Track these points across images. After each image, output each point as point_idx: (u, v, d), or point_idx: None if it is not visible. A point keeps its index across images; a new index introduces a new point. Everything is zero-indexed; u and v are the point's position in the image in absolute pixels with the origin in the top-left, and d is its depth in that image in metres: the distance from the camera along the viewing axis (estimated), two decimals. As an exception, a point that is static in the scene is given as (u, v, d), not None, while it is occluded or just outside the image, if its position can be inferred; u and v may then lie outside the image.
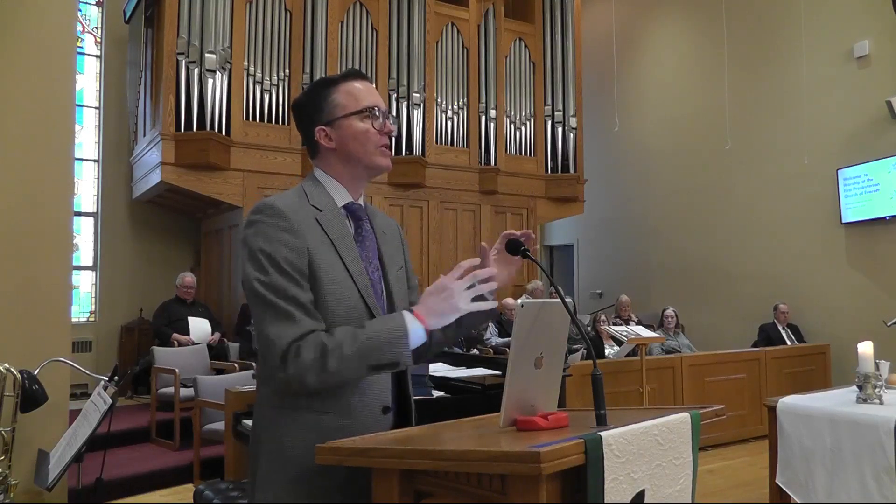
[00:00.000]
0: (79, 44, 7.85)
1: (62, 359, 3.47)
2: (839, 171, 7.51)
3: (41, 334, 3.55)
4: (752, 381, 6.40)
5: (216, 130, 6.63)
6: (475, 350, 6.69)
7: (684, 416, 1.36)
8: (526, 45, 9.18)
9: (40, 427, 3.44)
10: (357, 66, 7.63)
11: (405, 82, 7.92)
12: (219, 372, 5.69)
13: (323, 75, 7.27)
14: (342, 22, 7.71)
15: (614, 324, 6.87)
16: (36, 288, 3.58)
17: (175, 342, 6.22)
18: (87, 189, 8.33)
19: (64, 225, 3.80)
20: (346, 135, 1.54)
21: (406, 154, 7.87)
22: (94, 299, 8.24)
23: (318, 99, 1.57)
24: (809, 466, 3.18)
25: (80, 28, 8.01)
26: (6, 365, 3.22)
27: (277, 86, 7.23)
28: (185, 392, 5.27)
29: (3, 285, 3.48)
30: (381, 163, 1.58)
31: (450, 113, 8.40)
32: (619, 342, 6.34)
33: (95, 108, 8.46)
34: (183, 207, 7.98)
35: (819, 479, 3.13)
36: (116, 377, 3.26)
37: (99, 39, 8.57)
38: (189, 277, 6.76)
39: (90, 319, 8.19)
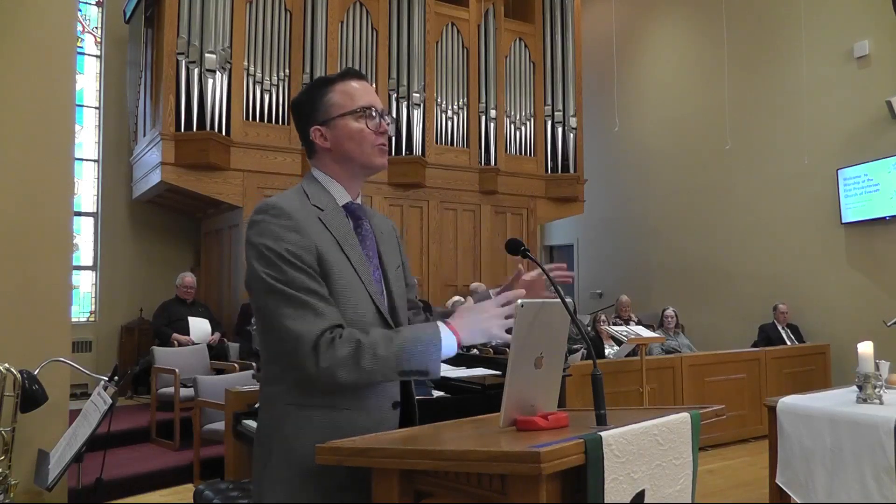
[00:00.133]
0: (79, 44, 7.85)
1: (62, 359, 3.47)
2: (839, 171, 7.51)
3: (41, 334, 3.54)
4: (752, 381, 6.40)
5: (216, 130, 6.63)
6: (475, 350, 6.69)
7: (684, 416, 1.36)
8: (526, 45, 9.18)
9: (40, 427, 3.44)
10: (357, 66, 7.64)
11: (405, 82, 7.93)
12: (219, 372, 5.69)
13: (322, 75, 7.30)
14: (342, 22, 7.71)
15: (614, 324, 6.87)
16: (36, 288, 3.57)
17: (175, 342, 6.22)
18: (87, 189, 8.33)
19: (64, 225, 3.80)
20: (342, 134, 1.55)
21: (406, 154, 7.87)
22: (94, 299, 8.24)
23: (315, 98, 1.58)
24: (809, 466, 3.18)
25: (80, 28, 8.01)
26: (6, 365, 3.22)
27: (277, 86, 7.23)
28: (185, 392, 5.27)
29: (3, 285, 3.47)
30: (376, 162, 1.58)
31: (450, 113, 8.41)
32: (619, 342, 6.34)
33: (95, 108, 8.46)
34: (183, 207, 7.98)
35: (819, 479, 3.13)
36: (116, 377, 3.26)
37: (99, 39, 8.57)
38: (189, 277, 6.76)
39: (90, 319, 8.19)
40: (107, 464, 3.31)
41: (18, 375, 3.22)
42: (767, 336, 7.52)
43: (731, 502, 4.43)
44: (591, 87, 10.15)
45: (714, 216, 9.09)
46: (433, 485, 1.26)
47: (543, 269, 1.58)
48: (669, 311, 7.56)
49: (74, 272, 6.21)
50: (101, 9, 8.62)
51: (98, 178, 8.34)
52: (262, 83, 7.11)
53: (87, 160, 8.34)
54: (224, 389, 3.99)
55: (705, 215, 9.21)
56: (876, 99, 7.25)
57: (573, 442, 1.13)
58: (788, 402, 3.36)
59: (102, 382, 3.21)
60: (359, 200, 1.63)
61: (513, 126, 8.93)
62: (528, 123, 9.06)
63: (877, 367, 3.24)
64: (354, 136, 1.54)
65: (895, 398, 3.20)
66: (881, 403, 3.13)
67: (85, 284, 8.22)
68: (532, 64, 9.18)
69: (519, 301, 1.33)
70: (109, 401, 3.01)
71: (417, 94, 7.96)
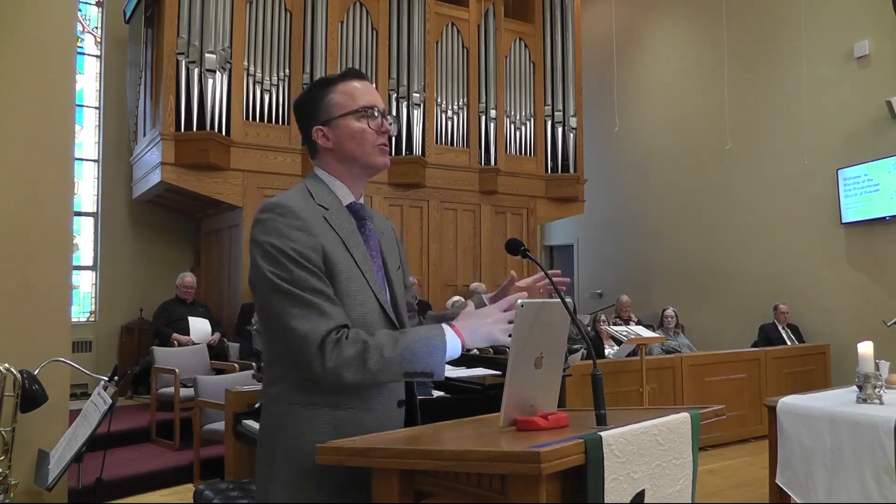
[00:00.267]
0: (79, 44, 7.86)
1: (62, 359, 3.47)
2: (839, 171, 7.51)
3: (41, 334, 3.54)
4: (752, 381, 6.40)
5: (216, 130, 6.63)
6: (475, 350, 6.69)
7: (684, 416, 1.36)
8: (526, 45, 9.18)
9: (40, 427, 3.44)
10: (357, 66, 7.62)
11: (405, 82, 7.93)
12: (219, 372, 5.69)
13: (323, 75, 7.30)
14: (342, 22, 7.71)
15: (614, 324, 6.87)
16: (36, 288, 3.57)
17: (175, 342, 6.22)
18: (87, 189, 8.33)
19: (64, 225, 3.80)
20: (343, 134, 1.55)
21: (406, 154, 7.87)
22: (94, 299, 8.24)
23: (317, 98, 1.58)
24: (809, 466, 3.18)
25: (80, 28, 8.01)
26: (6, 365, 3.22)
27: (277, 86, 7.23)
28: (185, 392, 5.27)
29: (3, 285, 3.47)
30: (377, 162, 1.58)
31: (450, 113, 8.41)
32: (619, 342, 6.34)
33: (95, 108, 8.46)
34: (183, 207, 7.98)
35: (819, 479, 3.13)
36: (116, 377, 3.26)
37: (99, 39, 8.57)
38: (189, 277, 6.76)
39: (90, 319, 8.19)
40: (107, 464, 3.31)
41: (18, 375, 3.22)
42: (768, 336, 7.52)
43: (731, 502, 4.43)
44: (591, 87, 10.15)
45: (714, 216, 9.09)
46: (433, 485, 1.26)
47: (543, 269, 1.59)
48: (669, 311, 7.56)
49: (74, 272, 6.22)
50: (101, 9, 8.62)
51: (98, 178, 8.34)
52: (262, 83, 7.11)
53: (87, 160, 8.34)
54: (224, 389, 3.99)
55: (705, 215, 9.21)
56: (876, 99, 7.25)
57: (573, 442, 1.13)
58: (788, 402, 3.36)
59: (102, 382, 3.21)
60: (361, 200, 1.63)
61: (513, 126, 8.93)
62: (528, 123, 9.06)
63: (877, 367, 3.24)
64: (356, 135, 1.55)
65: (895, 398, 3.20)
66: (881, 403, 3.13)
67: (85, 284, 8.22)
68: (532, 64, 9.18)
69: (519, 301, 1.33)
70: (109, 401, 3.01)
71: (417, 94, 7.96)
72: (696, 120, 9.38)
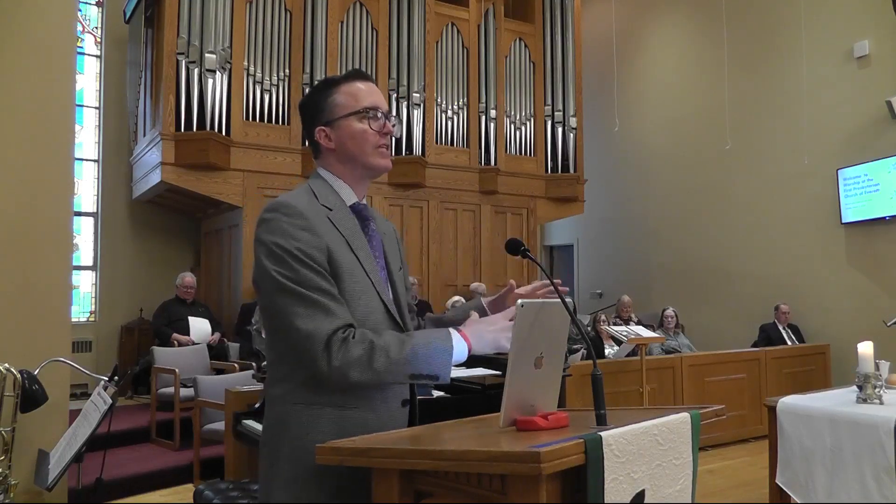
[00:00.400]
0: (79, 44, 7.86)
1: (62, 359, 3.47)
2: (839, 171, 7.51)
3: (41, 334, 3.55)
4: (752, 381, 6.40)
5: (216, 130, 6.63)
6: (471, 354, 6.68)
7: (684, 416, 1.36)
8: (526, 45, 9.18)
9: (40, 427, 3.44)
10: (357, 66, 7.64)
11: (405, 82, 7.93)
12: (219, 372, 5.69)
13: (323, 75, 7.31)
14: (342, 22, 7.71)
15: (614, 324, 6.87)
16: (36, 288, 3.57)
17: (175, 342, 6.22)
18: (87, 189, 8.33)
19: (64, 225, 3.80)
20: (345, 135, 1.56)
21: (406, 154, 7.87)
22: (94, 299, 8.24)
23: (320, 99, 1.59)
24: (809, 466, 3.18)
25: (80, 28, 8.01)
26: (6, 365, 3.22)
27: (277, 86, 7.23)
28: (185, 392, 5.27)
29: (3, 285, 3.47)
30: (379, 163, 1.59)
31: (450, 113, 8.41)
32: (619, 342, 6.34)
33: (95, 108, 8.46)
34: (183, 207, 7.98)
35: (819, 479, 3.13)
36: (116, 377, 3.26)
37: (99, 39, 8.57)
38: (189, 277, 6.76)
39: (90, 319, 8.19)
40: (107, 464, 3.31)
41: (18, 375, 3.22)
42: (768, 336, 7.52)
43: (731, 502, 4.43)
44: (591, 87, 10.15)
45: (714, 216, 9.09)
46: (433, 485, 1.26)
47: (543, 270, 1.59)
48: (669, 311, 7.56)
49: (74, 272, 6.22)
50: (101, 9, 8.62)
51: (98, 178, 8.34)
52: (262, 83, 7.11)
53: (87, 160, 8.34)
54: (224, 389, 3.99)
55: (705, 215, 9.21)
56: (876, 99, 7.25)
57: (573, 442, 1.13)
58: (788, 402, 3.36)
59: (102, 382, 3.21)
60: (364, 201, 1.64)
61: (513, 126, 8.93)
62: (528, 123, 9.06)
63: (877, 367, 3.24)
64: (356, 136, 1.55)
65: (895, 398, 3.20)
66: (881, 403, 3.13)
67: (85, 284, 8.22)
68: (532, 64, 9.18)
69: (519, 301, 1.34)
70: (109, 401, 3.01)
71: (417, 94, 7.96)
72: (696, 120, 9.38)
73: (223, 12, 6.76)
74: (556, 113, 9.11)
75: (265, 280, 1.42)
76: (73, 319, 6.88)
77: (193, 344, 6.23)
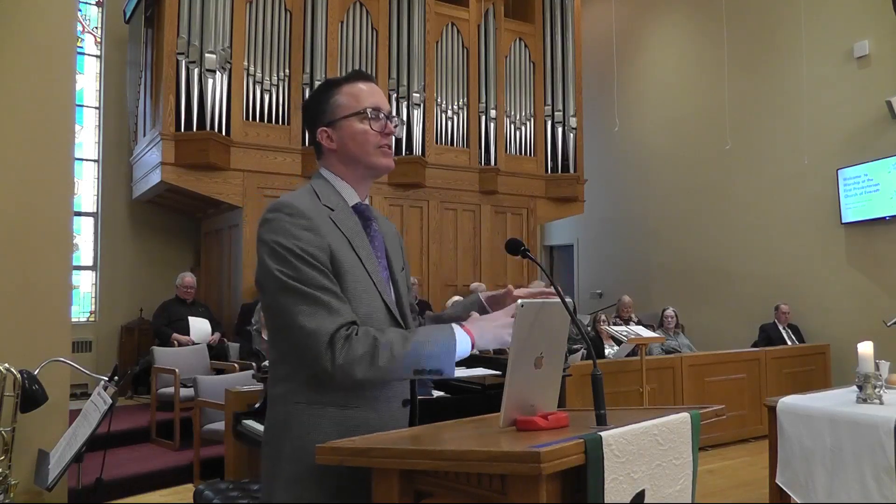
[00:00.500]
0: (79, 44, 7.86)
1: (62, 359, 3.47)
2: (839, 171, 7.51)
3: (41, 334, 3.54)
4: (752, 381, 6.40)
5: (216, 130, 6.63)
6: (476, 350, 6.68)
7: (684, 416, 1.36)
8: (526, 45, 9.18)
9: (40, 427, 3.44)
10: (357, 66, 7.64)
11: (405, 82, 7.93)
12: (219, 372, 5.69)
13: (323, 75, 7.32)
14: (342, 22, 7.71)
15: (614, 324, 6.87)
16: (36, 288, 3.57)
17: (175, 342, 6.22)
18: (87, 189, 8.33)
19: (64, 225, 3.80)
20: (346, 135, 1.57)
21: (406, 154, 7.87)
22: (94, 299, 8.24)
23: (322, 100, 1.60)
24: (809, 466, 3.18)
25: (80, 28, 8.01)
26: (6, 365, 3.22)
27: (277, 86, 7.23)
28: (185, 392, 5.27)
29: (3, 285, 3.47)
30: (380, 163, 1.59)
31: (450, 113, 8.41)
32: (619, 342, 6.34)
33: (95, 108, 8.46)
34: (183, 207, 7.98)
35: (819, 479, 3.13)
36: (116, 377, 3.26)
37: (99, 39, 8.57)
38: (189, 277, 6.76)
39: (90, 319, 8.19)
40: (107, 464, 3.31)
41: (18, 375, 3.22)
42: (768, 336, 7.52)
43: (731, 502, 4.43)
44: (591, 87, 10.15)
45: (714, 216, 9.09)
46: (433, 485, 1.26)
47: (543, 270, 1.60)
48: (669, 311, 7.56)
49: (74, 272, 6.21)
50: (101, 9, 8.63)
51: (98, 178, 8.34)
52: (262, 83, 7.11)
53: (87, 160, 8.34)
54: (224, 389, 3.99)
55: (705, 215, 9.21)
56: (876, 99, 7.25)
57: (573, 442, 1.13)
58: (788, 402, 3.36)
59: (102, 382, 3.21)
60: (367, 201, 1.65)
61: (513, 126, 8.93)
62: (528, 123, 9.06)
63: (877, 367, 3.24)
64: (357, 136, 1.56)
65: (895, 398, 3.20)
66: (881, 403, 3.13)
67: (85, 284, 8.22)
68: (532, 64, 9.18)
69: (519, 301, 1.34)
70: (109, 401, 3.01)
71: (417, 94, 7.96)
72: (696, 120, 9.38)
73: (223, 12, 6.76)
74: (556, 113, 9.11)
75: (268, 279, 1.42)
76: (73, 319, 6.88)
77: (193, 344, 6.23)
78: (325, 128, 1.58)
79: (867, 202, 7.26)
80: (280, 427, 1.48)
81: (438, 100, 8.30)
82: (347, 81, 1.60)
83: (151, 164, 6.90)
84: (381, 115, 1.57)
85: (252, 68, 7.05)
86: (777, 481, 3.34)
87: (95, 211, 8.32)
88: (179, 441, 5.21)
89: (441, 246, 8.27)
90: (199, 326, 6.47)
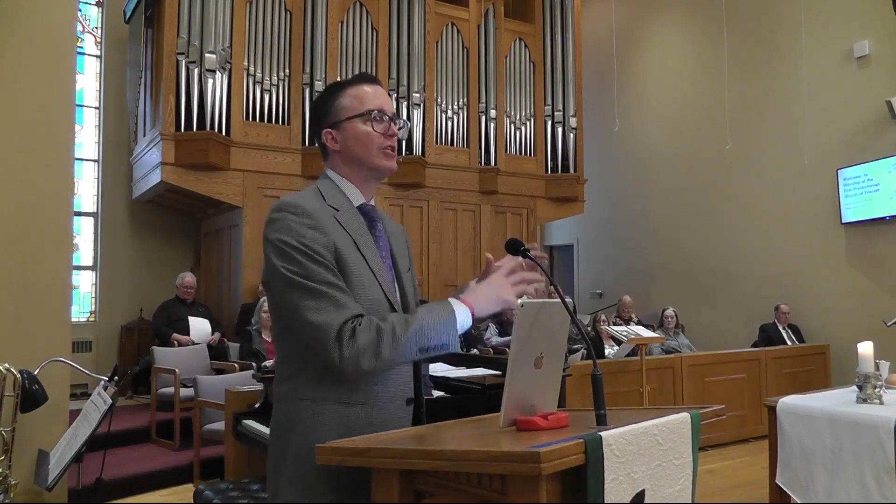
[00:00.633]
0: (79, 44, 7.85)
1: (62, 359, 3.47)
2: (839, 171, 7.51)
3: (41, 334, 3.54)
4: (752, 381, 6.40)
5: (216, 130, 6.63)
6: (475, 350, 6.70)
7: (684, 416, 1.36)
8: (526, 45, 9.18)
9: (40, 427, 3.44)
10: (357, 67, 7.66)
11: (405, 82, 7.93)
12: (219, 372, 5.69)
13: (323, 75, 7.33)
14: (342, 22, 7.71)
15: (614, 324, 6.87)
16: (36, 288, 3.57)
17: (175, 342, 6.22)
18: (87, 189, 8.33)
19: (64, 225, 3.80)
20: (349, 136, 1.58)
21: (406, 154, 7.87)
22: (94, 299, 8.24)
23: (327, 102, 1.62)
24: (809, 466, 3.18)
25: (80, 28, 8.01)
26: (6, 365, 3.22)
27: (277, 86, 7.23)
28: (185, 392, 5.27)
29: (3, 285, 3.47)
30: (383, 164, 1.61)
31: (450, 113, 8.41)
32: (619, 342, 6.34)
33: (95, 108, 8.46)
34: (183, 207, 7.98)
35: (819, 479, 3.13)
36: (116, 377, 3.26)
37: (99, 39, 8.57)
38: (189, 277, 6.76)
39: (90, 319, 8.19)
40: (107, 464, 3.31)
41: (18, 375, 3.22)
42: (768, 336, 7.51)
43: (731, 502, 4.43)
44: (591, 87, 10.15)
45: (714, 216, 9.08)
46: (433, 485, 1.26)
47: (543, 270, 1.59)
48: (669, 311, 7.56)
49: (74, 272, 6.21)
50: (101, 9, 8.63)
51: (98, 178, 8.34)
52: (262, 83, 7.11)
53: (87, 160, 8.34)
54: (224, 389, 3.99)
55: (705, 215, 9.21)
56: (876, 99, 7.25)
57: (573, 442, 1.13)
58: (788, 402, 3.36)
59: (102, 382, 3.21)
60: (372, 202, 1.66)
61: (513, 126, 8.93)
62: (528, 123, 9.06)
63: (877, 367, 3.24)
64: (360, 138, 1.58)
65: (895, 398, 3.20)
66: (881, 403, 3.13)
67: (85, 284, 8.22)
68: (532, 64, 9.18)
69: (519, 301, 1.35)
70: (109, 401, 3.01)
71: (417, 94, 7.96)
72: (696, 120, 9.38)
73: (223, 12, 6.76)
74: (556, 113, 9.11)
75: (275, 278, 1.44)
76: (73, 319, 6.88)
77: (193, 344, 6.23)
78: (329, 129, 1.60)
79: (867, 202, 7.26)
80: (285, 425, 1.50)
81: (438, 100, 8.30)
82: (352, 84, 1.62)
83: (151, 164, 6.90)
84: (385, 117, 1.59)
85: (252, 68, 7.05)
86: (777, 481, 3.34)
87: (95, 211, 8.32)
88: (179, 441, 5.21)
89: (441, 246, 8.27)
90: (199, 326, 6.47)
